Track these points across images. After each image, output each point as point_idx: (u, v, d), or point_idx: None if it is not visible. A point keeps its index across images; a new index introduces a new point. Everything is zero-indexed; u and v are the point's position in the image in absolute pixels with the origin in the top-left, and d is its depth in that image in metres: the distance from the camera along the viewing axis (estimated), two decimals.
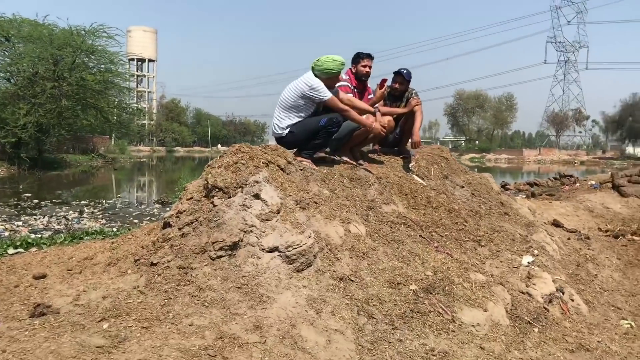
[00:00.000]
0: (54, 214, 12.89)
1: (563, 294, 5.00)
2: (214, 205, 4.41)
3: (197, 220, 4.38)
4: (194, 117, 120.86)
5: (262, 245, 4.16)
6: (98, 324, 3.47)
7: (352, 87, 5.96)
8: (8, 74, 32.79)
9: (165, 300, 3.76)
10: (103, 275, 4.34)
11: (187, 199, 4.63)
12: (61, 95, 31.37)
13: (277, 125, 5.40)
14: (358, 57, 6.05)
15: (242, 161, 4.56)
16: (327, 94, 5.22)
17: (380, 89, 5.68)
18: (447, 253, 4.85)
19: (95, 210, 13.89)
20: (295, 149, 5.39)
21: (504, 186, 17.42)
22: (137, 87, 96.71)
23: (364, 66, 6.03)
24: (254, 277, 3.99)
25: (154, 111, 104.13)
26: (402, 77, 6.44)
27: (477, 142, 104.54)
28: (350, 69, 6.14)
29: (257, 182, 4.45)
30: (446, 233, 5.23)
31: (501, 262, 5.14)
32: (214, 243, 4.12)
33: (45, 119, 31.14)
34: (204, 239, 4.19)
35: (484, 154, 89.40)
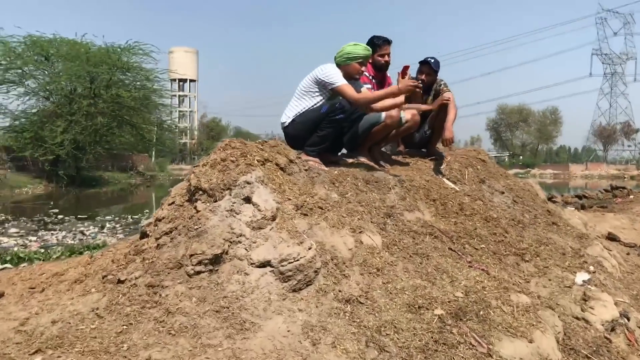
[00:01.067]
0: (73, 229, 12.42)
1: (628, 320, 4.06)
2: (197, 211, 3.67)
3: (176, 228, 3.64)
4: (234, 135, 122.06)
5: (251, 259, 3.39)
6: (30, 357, 2.75)
7: (370, 77, 5.17)
8: (47, 92, 33.14)
9: (124, 327, 3.02)
10: (65, 294, 3.63)
11: (169, 204, 3.91)
12: (97, 113, 31.50)
13: (285, 114, 4.67)
14: (374, 45, 5.24)
15: (232, 158, 3.81)
16: (338, 80, 4.45)
17: (402, 77, 4.85)
18: (482, 269, 3.98)
19: (117, 226, 13.38)
20: (301, 148, 4.63)
21: (550, 199, 16.22)
22: (179, 106, 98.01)
23: (382, 55, 5.24)
24: (238, 298, 3.21)
25: (195, 130, 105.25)
26: (429, 67, 5.60)
27: (521, 157, 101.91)
28: None
29: (248, 183, 3.69)
30: (482, 245, 4.36)
31: (550, 280, 4.23)
32: (191, 256, 3.37)
33: (82, 136, 31.28)
34: (181, 250, 3.45)
35: (529, 169, 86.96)
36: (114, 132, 33.35)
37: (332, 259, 3.54)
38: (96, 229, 12.50)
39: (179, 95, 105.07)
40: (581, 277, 4.28)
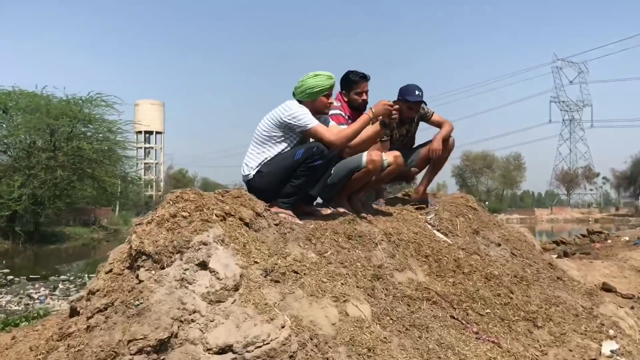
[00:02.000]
0: (21, 292, 11.33)
1: None
2: (139, 281, 2.91)
3: (112, 304, 2.87)
4: (201, 186, 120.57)
5: (207, 343, 2.64)
6: None
7: (346, 117, 4.55)
8: (5, 146, 31.90)
9: None
10: None
11: (105, 272, 3.14)
12: (57, 166, 30.33)
13: (246, 165, 3.96)
14: (350, 82, 4.64)
15: (184, 213, 3.09)
16: (309, 120, 3.81)
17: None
18: (492, 341, 3.29)
19: (72, 287, 12.32)
20: (269, 202, 3.93)
21: None
22: (145, 158, 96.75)
23: (359, 93, 4.63)
24: None
25: (162, 182, 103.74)
26: (419, 104, 5.00)
27: (486, 202, 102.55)
28: (340, 93, 4.73)
29: (204, 244, 2.96)
30: (487, 310, 3.67)
31: (570, 351, 3.56)
32: (130, 342, 2.60)
33: (41, 190, 29.98)
34: (117, 335, 2.67)
35: (495, 214, 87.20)
36: (74, 186, 32.11)
37: (311, 338, 2.81)
38: (47, 291, 11.42)
39: (145, 147, 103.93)
40: (608, 346, 3.61)
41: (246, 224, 3.33)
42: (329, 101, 4.09)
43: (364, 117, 3.94)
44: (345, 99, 4.64)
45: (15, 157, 30.95)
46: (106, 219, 51.02)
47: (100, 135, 33.51)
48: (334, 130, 3.94)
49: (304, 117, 3.80)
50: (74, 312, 3.11)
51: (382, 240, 3.87)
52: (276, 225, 3.50)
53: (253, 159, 3.89)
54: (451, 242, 4.50)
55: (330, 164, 3.97)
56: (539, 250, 5.38)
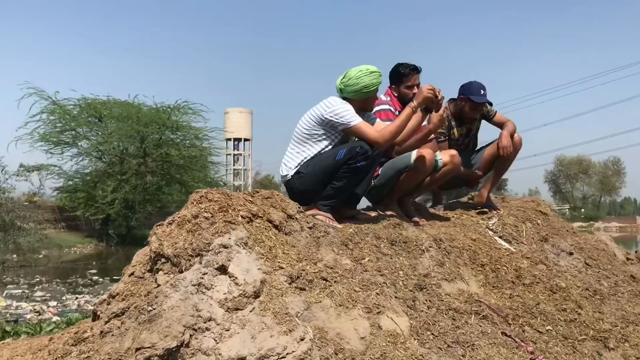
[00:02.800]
0: (102, 292, 11.73)
1: None
2: (157, 285, 2.76)
3: (128, 309, 2.74)
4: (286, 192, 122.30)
5: (220, 355, 2.44)
6: None
7: (396, 112, 4.23)
8: (100, 152, 33.68)
9: None
10: None
11: (129, 275, 3.02)
12: (147, 172, 31.65)
13: (284, 165, 3.75)
14: (400, 75, 4.30)
15: (207, 214, 2.91)
16: (352, 118, 3.54)
17: (436, 111, 3.88)
18: None
19: None
20: (309, 204, 3.70)
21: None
22: (234, 165, 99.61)
23: (409, 87, 4.28)
24: None
25: (250, 187, 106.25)
26: (483, 105, 4.62)
27: (582, 210, 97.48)
28: (390, 88, 4.42)
29: (225, 247, 2.77)
30: (548, 327, 3.25)
31: None
32: (137, 350, 2.44)
33: (132, 195, 31.38)
34: (127, 342, 2.53)
35: (592, 222, 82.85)
36: (163, 191, 33.38)
37: (336, 353, 2.54)
38: None
39: (234, 154, 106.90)
40: None
41: (275, 227, 3.11)
42: (376, 98, 3.84)
43: (406, 110, 3.63)
44: (395, 94, 4.33)
45: (109, 163, 32.57)
46: None
47: (188, 142, 34.67)
48: (377, 128, 3.65)
49: (347, 114, 3.54)
50: (95, 316, 3.01)
51: (431, 246, 3.53)
52: (310, 228, 3.26)
53: (292, 159, 3.67)
54: (514, 250, 4.08)
55: (374, 164, 3.68)
56: (622, 261, 4.81)
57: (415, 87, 4.22)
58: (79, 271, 18.04)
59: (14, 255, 22.50)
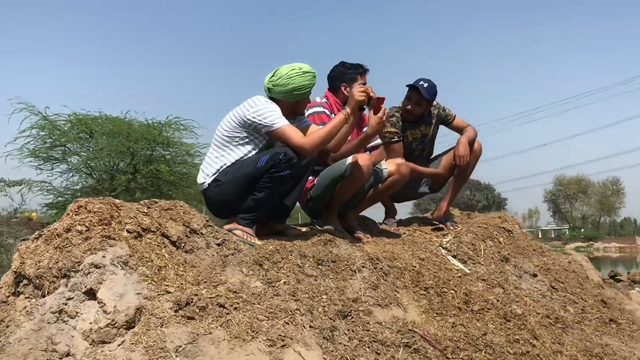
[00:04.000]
0: None
1: None
2: (17, 311, 2.31)
3: None
4: None
5: None
6: None
7: (331, 113, 3.79)
8: (90, 169, 33.23)
9: None
10: None
11: None
12: (136, 188, 31.16)
13: (202, 171, 3.31)
14: (343, 74, 3.86)
15: (81, 227, 2.47)
16: (277, 120, 3.10)
17: (375, 113, 3.44)
18: None
19: None
20: (229, 217, 3.26)
21: (613, 276, 13.98)
22: None
23: (364, 84, 3.83)
24: None
25: None
26: (418, 94, 4.21)
27: (582, 230, 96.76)
28: (329, 90, 3.99)
29: (97, 266, 2.33)
30: None
31: None
32: None
33: None
34: None
35: (591, 242, 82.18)
36: None
37: None
38: None
39: None
40: None
41: (172, 243, 2.67)
42: (309, 101, 3.43)
43: (338, 116, 3.21)
44: (345, 94, 3.86)
45: (99, 179, 32.11)
46: None
47: (179, 158, 34.21)
48: (308, 132, 3.23)
49: (271, 115, 3.11)
50: None
51: (364, 266, 3.08)
52: (218, 245, 2.82)
53: (210, 165, 3.23)
54: (468, 272, 3.63)
55: (303, 173, 3.25)
56: (595, 284, 4.35)
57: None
58: None
59: None
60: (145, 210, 2.72)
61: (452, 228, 4.18)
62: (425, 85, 4.16)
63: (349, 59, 3.90)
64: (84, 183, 35.02)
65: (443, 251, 3.80)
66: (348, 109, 3.19)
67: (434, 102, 4.34)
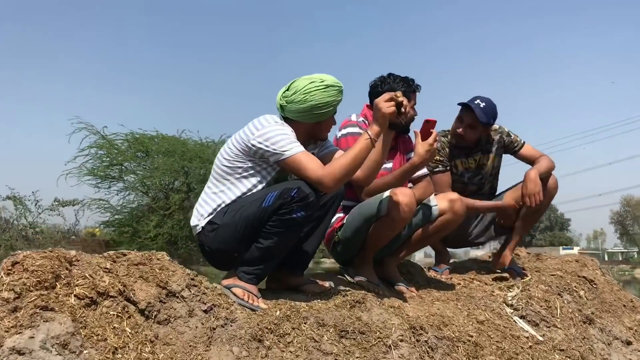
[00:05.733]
0: None
1: None
2: None
3: None
4: None
5: None
6: None
7: None
8: (146, 187, 33.66)
9: None
10: None
11: None
12: (190, 207, 31.20)
13: (196, 211, 2.63)
14: (379, 88, 3.01)
15: (8, 294, 1.82)
16: (290, 147, 2.39)
17: (423, 136, 2.67)
18: None
19: None
20: (228, 268, 2.58)
21: None
22: None
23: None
24: None
25: None
26: (473, 115, 3.42)
27: None
28: (368, 105, 3.22)
29: (20, 352, 1.67)
30: None
31: None
32: None
33: (175, 230, 30.98)
34: None
35: None
36: None
37: None
38: None
39: None
40: None
41: (141, 312, 1.99)
42: (333, 121, 2.68)
43: (361, 140, 2.42)
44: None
45: (154, 197, 32.35)
46: None
47: None
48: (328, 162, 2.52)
49: (281, 140, 2.40)
50: None
51: (402, 340, 2.32)
52: (205, 312, 2.12)
53: (205, 203, 2.56)
54: (541, 339, 2.81)
55: (324, 214, 2.54)
56: None
57: (409, 107, 3.01)
58: None
59: None
60: (108, 266, 2.06)
61: (518, 278, 3.36)
62: (482, 105, 3.38)
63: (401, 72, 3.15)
64: (140, 201, 35.52)
65: (508, 310, 3.00)
66: (373, 129, 2.42)
67: (495, 126, 3.55)
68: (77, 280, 1.94)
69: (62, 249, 2.05)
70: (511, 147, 3.52)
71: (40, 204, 21.69)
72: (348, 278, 2.94)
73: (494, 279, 3.40)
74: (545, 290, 3.21)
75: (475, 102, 3.39)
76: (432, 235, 3.05)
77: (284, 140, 2.39)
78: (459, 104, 3.49)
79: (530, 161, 3.46)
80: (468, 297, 3.06)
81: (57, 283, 1.90)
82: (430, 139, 2.67)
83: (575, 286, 3.36)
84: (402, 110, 2.44)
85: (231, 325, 2.12)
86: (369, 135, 2.39)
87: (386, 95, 2.42)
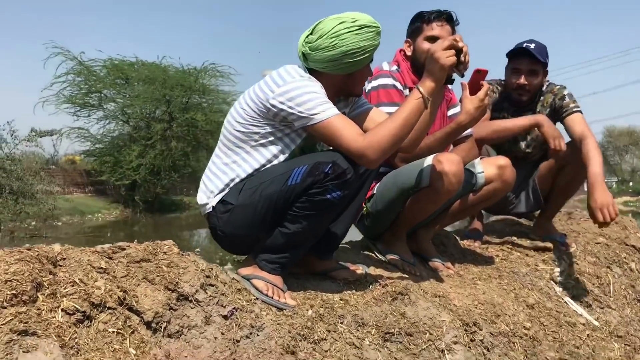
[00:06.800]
0: None
1: None
2: None
3: None
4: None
5: None
6: None
7: (404, 89, 2.56)
8: (126, 116, 32.83)
9: None
10: None
11: None
12: (172, 137, 30.62)
13: (204, 187, 2.13)
14: (420, 22, 2.56)
15: None
16: (321, 109, 1.90)
17: (472, 90, 2.19)
18: None
19: None
20: (244, 253, 2.16)
21: None
22: None
23: (432, 38, 2.49)
24: None
25: None
26: (530, 60, 2.95)
27: (630, 183, 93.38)
28: (402, 50, 2.72)
29: None
30: None
31: None
32: None
33: (157, 160, 30.50)
34: None
35: None
36: (189, 157, 32.38)
37: None
38: None
39: None
40: None
41: (147, 324, 1.58)
42: (369, 71, 2.17)
43: (411, 99, 1.92)
44: (409, 54, 2.66)
45: (135, 127, 31.57)
46: None
47: (215, 106, 33.42)
48: (369, 125, 2.05)
49: (310, 100, 1.90)
50: None
51: (456, 342, 1.96)
52: (225, 317, 1.72)
53: (215, 177, 2.08)
54: (597, 324, 2.48)
55: (360, 187, 2.10)
56: None
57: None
58: (90, 244, 16.98)
59: (32, 222, 21.70)
60: (103, 265, 1.63)
61: (563, 248, 2.99)
62: (533, 45, 2.92)
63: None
64: (121, 130, 34.80)
65: (557, 289, 2.65)
66: (426, 85, 1.96)
67: (556, 86, 3.08)
68: (65, 289, 1.52)
69: (42, 245, 1.61)
70: (559, 112, 3.04)
71: (17, 135, 20.98)
72: (378, 255, 2.55)
73: (534, 248, 3.03)
74: (593, 263, 2.87)
75: (524, 45, 2.93)
76: (474, 206, 2.65)
77: (313, 101, 1.90)
78: (507, 54, 3.01)
79: (571, 133, 2.96)
80: (511, 273, 2.70)
81: (38, 295, 1.47)
82: (481, 93, 2.19)
83: (625, 257, 3.02)
84: (462, 58, 1.96)
85: (257, 335, 1.72)
86: (421, 93, 1.91)
87: (446, 42, 1.92)
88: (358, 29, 1.97)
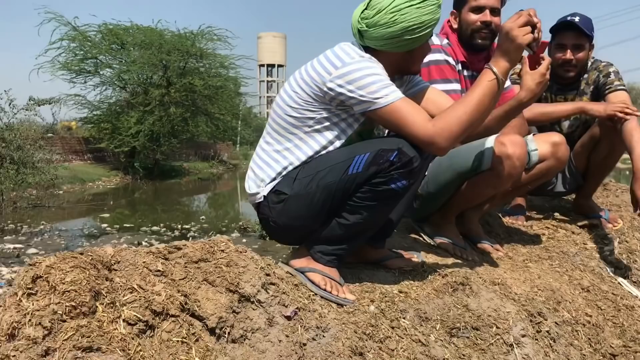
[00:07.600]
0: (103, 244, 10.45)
1: None
2: None
3: None
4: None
5: None
6: None
7: (456, 64, 2.42)
8: (123, 82, 32.42)
9: None
10: None
11: None
12: (170, 102, 30.29)
13: (253, 175, 1.98)
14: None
15: (35, 330, 1.28)
16: (385, 93, 1.75)
17: (531, 66, 2.03)
18: None
19: (156, 242, 11.30)
20: (297, 244, 2.04)
21: None
22: (267, 92, 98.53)
23: (479, 9, 2.41)
24: None
25: None
26: (577, 33, 2.82)
27: None
28: (448, 21, 2.58)
29: None
30: None
31: None
32: None
33: (156, 126, 30.25)
34: None
35: None
36: (188, 123, 32.11)
37: None
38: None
39: (267, 81, 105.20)
40: None
41: (211, 331, 1.48)
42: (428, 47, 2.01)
43: (483, 81, 1.78)
44: (455, 26, 2.50)
45: (132, 92, 31.21)
46: (227, 153, 51.78)
47: (213, 70, 32.97)
48: (432, 107, 1.90)
49: (373, 84, 1.76)
50: None
51: (524, 335, 1.86)
52: (288, 318, 1.61)
53: (265, 165, 1.94)
54: None
55: (422, 172, 1.97)
56: None
57: (489, 13, 2.36)
58: (93, 211, 16.92)
59: (34, 191, 21.60)
60: (160, 267, 1.51)
61: (610, 226, 2.89)
62: (577, 19, 2.79)
63: None
64: (118, 97, 34.38)
65: (609, 269, 2.55)
66: (500, 65, 1.79)
67: (602, 62, 2.93)
68: (124, 296, 1.41)
69: (96, 249, 1.49)
70: (602, 89, 2.89)
71: (15, 104, 20.68)
72: (426, 239, 2.44)
73: (580, 225, 2.92)
74: None
75: (568, 19, 2.79)
76: (526, 185, 2.53)
77: (376, 84, 1.75)
78: (551, 29, 2.85)
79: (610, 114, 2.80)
80: (561, 253, 2.60)
81: (97, 305, 1.36)
82: (542, 68, 2.01)
83: None
84: (536, 35, 1.81)
85: (323, 336, 1.62)
86: (495, 74, 1.77)
87: (522, 18, 1.76)
88: (419, 3, 1.81)
